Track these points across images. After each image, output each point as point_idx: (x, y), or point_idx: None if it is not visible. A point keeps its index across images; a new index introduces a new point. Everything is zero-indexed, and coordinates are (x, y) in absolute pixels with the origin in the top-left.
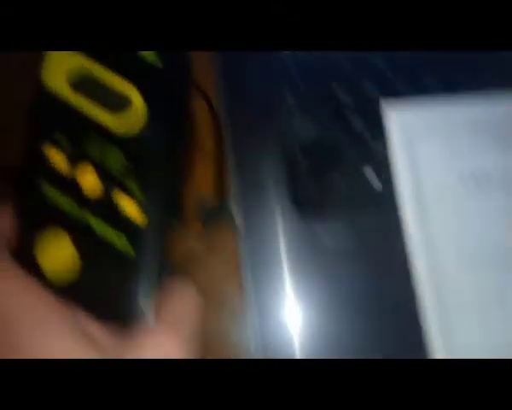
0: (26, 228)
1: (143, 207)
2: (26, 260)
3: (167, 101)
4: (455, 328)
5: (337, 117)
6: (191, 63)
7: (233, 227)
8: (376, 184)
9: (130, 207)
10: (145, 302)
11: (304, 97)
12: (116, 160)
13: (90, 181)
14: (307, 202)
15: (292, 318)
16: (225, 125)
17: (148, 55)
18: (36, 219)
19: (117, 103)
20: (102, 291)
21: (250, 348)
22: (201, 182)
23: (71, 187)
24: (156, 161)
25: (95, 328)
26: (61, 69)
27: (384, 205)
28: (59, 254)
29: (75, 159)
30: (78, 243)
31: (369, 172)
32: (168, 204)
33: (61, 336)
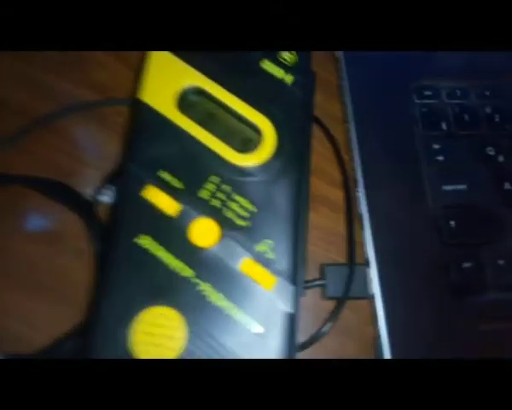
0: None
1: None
2: None
3: (296, 124)
4: None
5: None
6: (315, 78)
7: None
8: None
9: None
10: None
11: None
12: (239, 205)
13: (203, 232)
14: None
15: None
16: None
17: (277, 71)
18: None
19: (240, 134)
20: None
21: None
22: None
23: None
24: (283, 206)
25: None
26: (168, 88)
27: None
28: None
29: (186, 202)
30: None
31: None
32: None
33: None
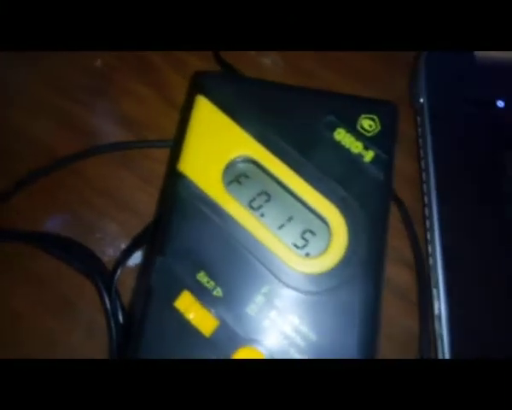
0: None
1: None
2: None
3: (372, 217)
4: None
5: None
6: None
7: None
8: None
9: None
10: None
11: None
12: (295, 329)
13: None
14: None
15: None
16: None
17: (354, 145)
18: None
19: (301, 224)
20: None
21: None
22: None
23: None
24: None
25: None
26: (215, 158)
27: None
28: None
29: (225, 317)
30: None
31: None
32: None
33: None
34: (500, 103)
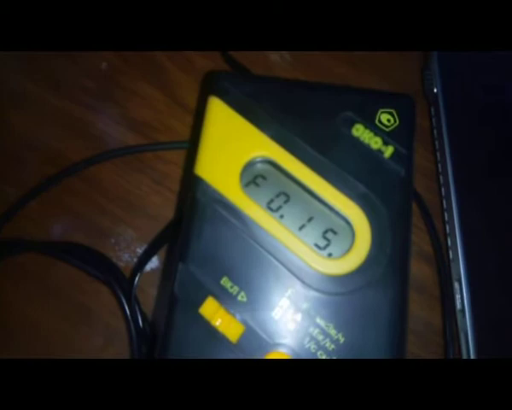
0: None
1: None
2: None
3: (395, 214)
4: None
5: None
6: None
7: None
8: None
9: None
10: None
11: None
12: (321, 330)
13: None
14: None
15: None
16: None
17: (373, 140)
18: None
19: (323, 225)
20: None
21: None
22: None
23: None
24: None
25: None
26: (233, 160)
27: None
28: None
29: (250, 322)
30: None
31: None
32: None
33: None
34: None
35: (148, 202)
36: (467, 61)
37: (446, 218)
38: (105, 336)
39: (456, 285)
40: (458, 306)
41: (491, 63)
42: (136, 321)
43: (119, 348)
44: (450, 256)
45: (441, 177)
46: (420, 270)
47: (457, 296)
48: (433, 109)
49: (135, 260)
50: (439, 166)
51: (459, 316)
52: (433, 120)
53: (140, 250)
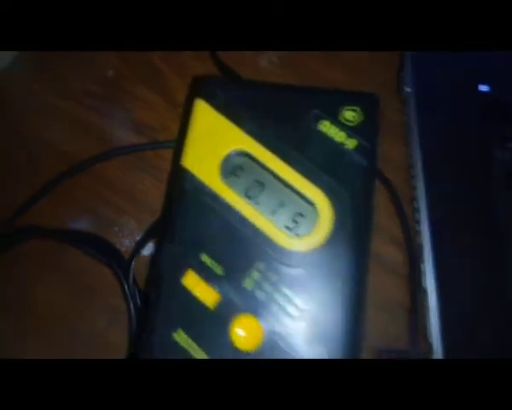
0: None
1: None
2: None
3: (356, 200)
4: None
5: None
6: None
7: None
8: None
9: None
10: None
11: None
12: (287, 299)
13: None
14: None
15: None
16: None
17: (337, 134)
18: None
19: (291, 209)
20: None
21: None
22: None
23: None
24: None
25: None
26: (213, 153)
27: None
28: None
29: (226, 292)
30: None
31: None
32: None
33: None
34: (484, 87)
35: (149, 196)
36: (439, 61)
37: (416, 206)
38: (109, 313)
39: (423, 267)
40: (424, 285)
41: (462, 63)
42: (134, 297)
43: (122, 325)
44: (419, 241)
45: (411, 169)
46: (390, 252)
47: (423, 277)
48: (405, 107)
49: (134, 245)
50: (410, 159)
51: (424, 295)
52: (405, 117)
53: (139, 238)
